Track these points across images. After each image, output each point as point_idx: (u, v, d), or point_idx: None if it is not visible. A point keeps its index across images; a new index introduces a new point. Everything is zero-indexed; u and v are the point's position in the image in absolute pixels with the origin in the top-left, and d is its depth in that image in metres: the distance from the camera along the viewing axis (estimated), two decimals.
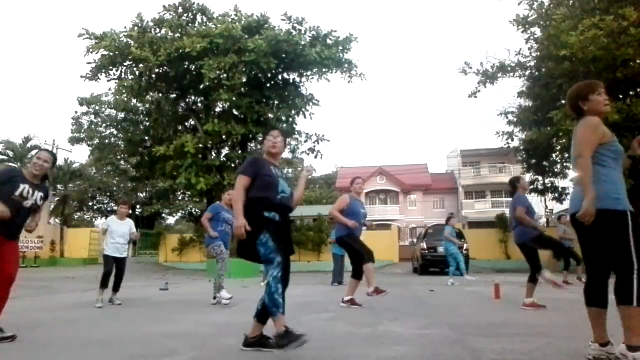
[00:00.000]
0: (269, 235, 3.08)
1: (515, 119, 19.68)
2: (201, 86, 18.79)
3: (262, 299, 3.09)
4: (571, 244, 10.28)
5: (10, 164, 27.77)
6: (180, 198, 33.43)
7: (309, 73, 19.72)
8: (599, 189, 2.65)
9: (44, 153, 3.86)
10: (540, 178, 22.52)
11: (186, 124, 21.36)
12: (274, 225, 3.15)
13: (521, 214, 5.41)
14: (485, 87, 18.32)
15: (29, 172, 3.77)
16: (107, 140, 25.87)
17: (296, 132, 20.98)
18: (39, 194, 3.73)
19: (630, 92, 15.43)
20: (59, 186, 31.08)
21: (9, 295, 3.64)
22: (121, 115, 23.39)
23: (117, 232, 6.41)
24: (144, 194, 36.34)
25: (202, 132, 18.59)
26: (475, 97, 18.75)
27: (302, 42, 17.76)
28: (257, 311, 3.14)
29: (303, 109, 19.86)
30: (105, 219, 7.40)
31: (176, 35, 18.68)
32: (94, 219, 42.07)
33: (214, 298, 6.17)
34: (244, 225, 3.03)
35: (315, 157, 21.00)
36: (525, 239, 5.48)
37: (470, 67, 18.19)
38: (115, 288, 6.38)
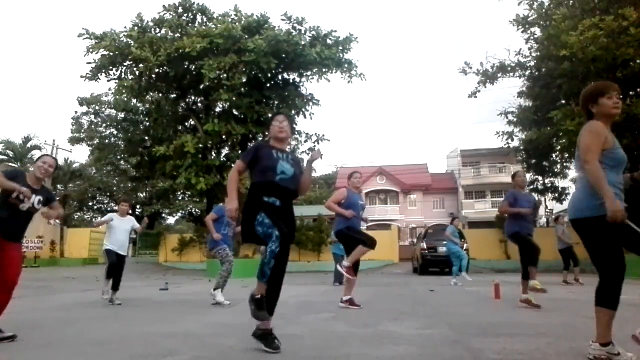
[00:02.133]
0: (264, 214, 3.11)
1: (515, 119, 19.70)
2: (201, 86, 18.77)
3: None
4: (569, 244, 10.34)
5: (10, 164, 27.79)
6: (180, 198, 33.43)
7: (309, 73, 19.70)
8: (583, 196, 2.71)
9: (48, 158, 3.92)
10: (540, 178, 22.55)
11: (186, 124, 21.35)
12: (273, 209, 3.16)
13: (501, 207, 5.91)
14: (485, 87, 18.37)
15: (32, 176, 3.78)
16: (107, 140, 25.85)
17: (296, 132, 20.97)
18: (36, 198, 3.72)
19: (630, 92, 15.44)
20: (59, 186, 31.11)
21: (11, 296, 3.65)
22: (121, 115, 23.38)
23: (119, 228, 6.47)
24: (144, 194, 36.34)
25: (202, 132, 18.58)
26: (475, 97, 18.80)
27: (302, 42, 17.74)
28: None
29: (303, 109, 19.85)
30: None
31: (176, 35, 18.67)
32: (94, 219, 42.04)
33: (214, 289, 6.19)
34: (235, 209, 3.11)
35: None
36: (508, 233, 5.76)
37: (470, 67, 18.22)
38: (115, 287, 6.36)
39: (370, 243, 5.55)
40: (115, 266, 6.36)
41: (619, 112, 2.84)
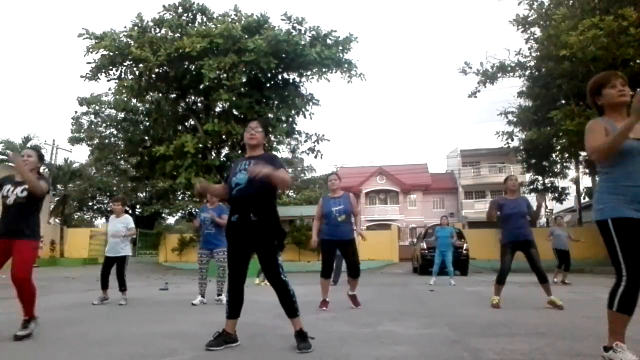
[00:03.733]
0: (227, 247, 3.31)
1: (515, 119, 19.72)
2: (201, 86, 18.78)
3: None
4: (557, 247, 10.38)
5: (11, 164, 27.77)
6: (180, 198, 33.40)
7: (309, 73, 19.70)
8: (595, 200, 2.71)
9: (26, 150, 4.04)
10: (540, 178, 22.56)
11: (186, 124, 21.35)
12: (233, 228, 3.23)
13: (487, 213, 6.06)
14: (485, 87, 18.41)
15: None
16: (107, 140, 25.81)
17: (296, 132, 20.97)
18: (18, 189, 3.78)
19: (631, 92, 15.43)
20: (59, 186, 31.06)
21: (34, 292, 3.73)
22: (121, 115, 23.36)
23: (111, 230, 6.57)
24: (144, 194, 36.29)
25: (202, 132, 18.58)
26: (475, 97, 18.84)
27: (302, 42, 17.74)
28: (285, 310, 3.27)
29: (303, 109, 19.85)
30: (106, 219, 7.44)
31: (176, 35, 18.66)
32: (94, 219, 42.07)
33: (218, 295, 6.20)
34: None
35: (315, 157, 20.98)
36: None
37: (470, 67, 18.26)
38: (119, 288, 6.39)
39: (323, 273, 5.58)
40: (104, 274, 6.39)
41: (627, 99, 2.71)
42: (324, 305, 5.47)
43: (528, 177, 23.60)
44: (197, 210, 32.53)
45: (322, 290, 5.61)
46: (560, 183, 22.58)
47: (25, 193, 3.76)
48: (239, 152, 19.57)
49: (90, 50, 17.93)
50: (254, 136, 3.37)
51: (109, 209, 36.95)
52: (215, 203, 6.32)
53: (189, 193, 25.40)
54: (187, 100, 20.83)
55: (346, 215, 5.44)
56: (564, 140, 15.71)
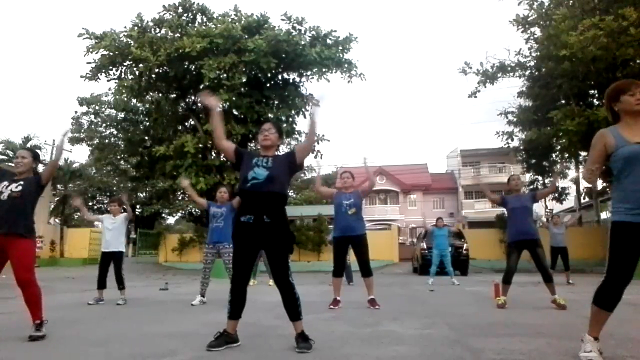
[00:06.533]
0: (234, 246, 3.26)
1: (515, 119, 19.70)
2: (201, 86, 18.75)
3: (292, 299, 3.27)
4: (558, 244, 10.39)
5: (10, 164, 27.78)
6: (180, 198, 33.40)
7: (309, 73, 19.70)
8: None
9: (20, 151, 4.03)
10: (540, 178, 22.56)
11: (186, 124, 21.34)
12: (246, 228, 3.15)
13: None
14: (485, 87, 18.36)
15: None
16: (107, 140, 25.83)
17: (296, 132, 20.97)
18: (14, 184, 3.75)
19: None
20: (59, 186, 31.04)
21: (39, 294, 3.74)
22: (121, 115, 23.36)
23: (108, 227, 6.62)
24: (144, 194, 36.28)
25: (202, 132, 18.58)
26: (475, 97, 18.79)
27: (302, 42, 17.74)
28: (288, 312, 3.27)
29: (303, 109, 19.85)
30: None
31: (176, 35, 18.66)
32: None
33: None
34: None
35: (315, 157, 20.98)
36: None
37: (470, 67, 18.22)
38: (118, 287, 6.39)
39: (335, 272, 5.71)
40: (101, 273, 6.41)
41: None
42: (335, 304, 5.53)
43: (528, 177, 23.58)
44: (196, 210, 32.47)
45: (335, 289, 5.71)
46: (560, 183, 22.56)
47: (19, 188, 3.72)
48: None
49: (90, 50, 17.93)
50: (267, 137, 3.41)
51: (109, 209, 36.86)
52: (225, 202, 6.43)
53: (189, 193, 25.42)
54: (187, 100, 20.82)
55: (356, 208, 5.66)
56: (564, 140, 15.70)
